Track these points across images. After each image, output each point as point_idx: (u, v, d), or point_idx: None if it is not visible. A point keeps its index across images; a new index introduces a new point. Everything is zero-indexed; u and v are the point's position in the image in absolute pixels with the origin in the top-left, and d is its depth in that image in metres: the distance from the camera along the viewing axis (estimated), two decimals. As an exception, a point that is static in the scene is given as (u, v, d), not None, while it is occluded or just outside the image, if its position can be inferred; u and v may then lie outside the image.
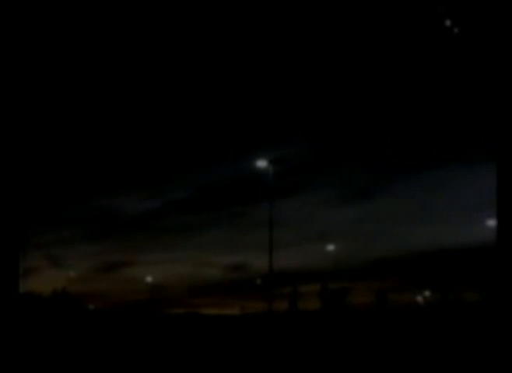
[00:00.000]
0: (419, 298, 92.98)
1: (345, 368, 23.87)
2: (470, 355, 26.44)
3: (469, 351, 28.15)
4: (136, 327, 53.96)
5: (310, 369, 23.74)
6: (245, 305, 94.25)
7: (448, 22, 48.77)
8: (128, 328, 52.53)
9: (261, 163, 46.83)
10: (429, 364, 24.23)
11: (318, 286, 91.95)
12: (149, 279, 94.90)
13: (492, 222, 63.03)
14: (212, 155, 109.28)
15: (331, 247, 78.38)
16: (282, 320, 57.72)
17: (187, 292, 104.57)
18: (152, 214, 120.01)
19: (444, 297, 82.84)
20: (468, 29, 47.74)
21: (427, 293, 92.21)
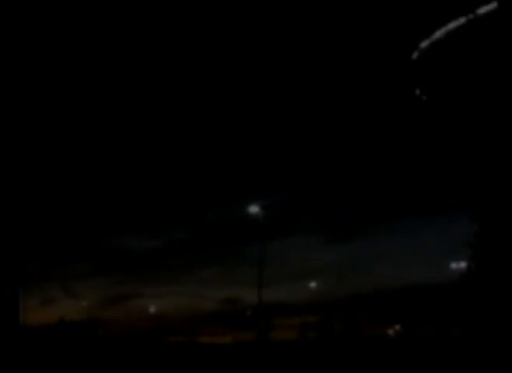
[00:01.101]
0: (391, 331, 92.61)
1: None
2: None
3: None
4: (141, 352, 53.66)
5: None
6: (236, 335, 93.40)
7: (418, 91, 49.55)
8: (134, 353, 52.30)
9: (254, 209, 47.16)
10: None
11: (302, 318, 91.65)
12: (152, 309, 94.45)
13: (454, 265, 63.59)
14: (211, 201, 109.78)
15: (313, 284, 79.07)
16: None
17: (185, 322, 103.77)
18: (157, 252, 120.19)
19: (412, 330, 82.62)
20: (434, 98, 48.35)
21: (398, 327, 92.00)
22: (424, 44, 46.34)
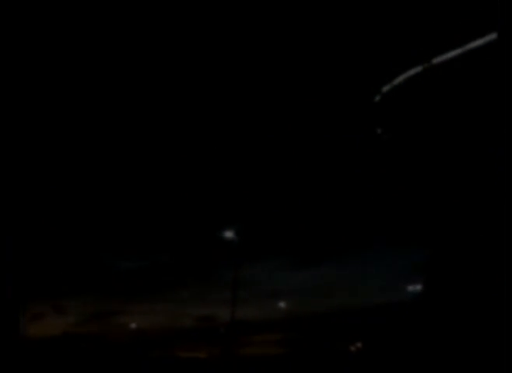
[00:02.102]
0: (352, 348, 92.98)
1: None
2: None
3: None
4: (124, 364, 53.65)
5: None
6: (211, 350, 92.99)
7: (379, 131, 50.83)
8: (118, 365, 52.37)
9: (229, 234, 47.52)
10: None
11: (273, 335, 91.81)
12: (133, 325, 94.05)
13: (411, 288, 65.10)
14: (190, 227, 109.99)
15: (282, 304, 79.88)
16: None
17: (164, 338, 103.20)
18: (142, 272, 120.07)
19: (371, 347, 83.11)
20: (393, 137, 49.67)
21: (359, 344, 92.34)
22: (386, 88, 47.83)
